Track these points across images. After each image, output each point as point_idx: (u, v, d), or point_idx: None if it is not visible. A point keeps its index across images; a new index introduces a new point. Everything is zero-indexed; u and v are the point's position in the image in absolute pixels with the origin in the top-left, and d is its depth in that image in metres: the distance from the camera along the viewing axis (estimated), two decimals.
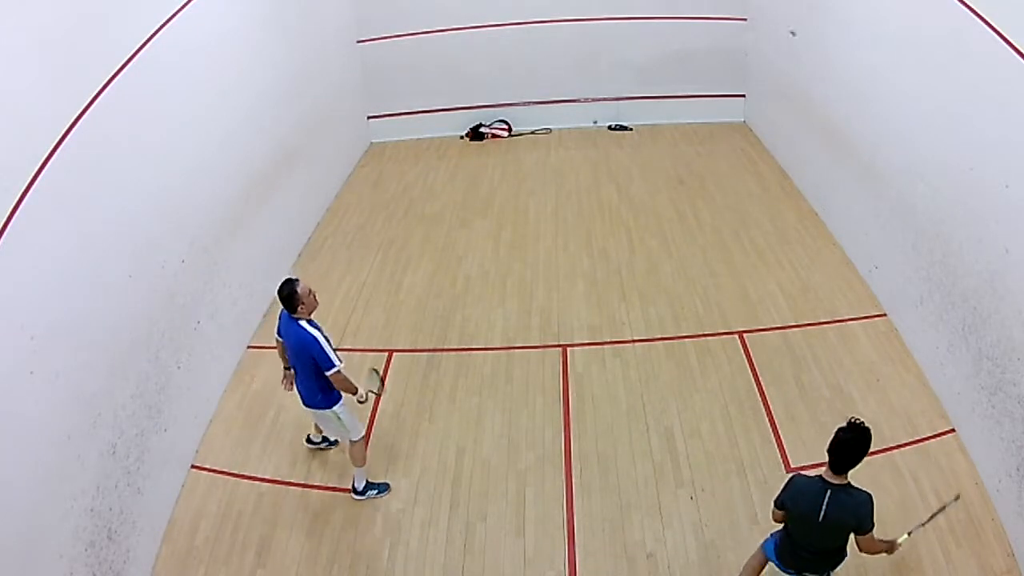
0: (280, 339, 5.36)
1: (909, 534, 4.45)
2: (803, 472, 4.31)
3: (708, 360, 6.67)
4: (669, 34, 11.02)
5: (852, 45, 7.50)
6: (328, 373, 5.10)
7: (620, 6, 10.95)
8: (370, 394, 5.45)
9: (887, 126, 6.77)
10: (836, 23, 7.87)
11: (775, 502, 4.26)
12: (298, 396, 5.41)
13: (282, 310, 5.20)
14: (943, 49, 5.70)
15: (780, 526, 4.38)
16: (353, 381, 5.25)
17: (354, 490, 5.57)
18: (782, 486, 4.21)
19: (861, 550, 4.18)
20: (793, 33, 8.04)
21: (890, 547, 4.28)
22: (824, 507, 3.99)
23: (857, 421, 3.96)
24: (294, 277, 5.17)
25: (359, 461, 5.52)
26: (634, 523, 5.28)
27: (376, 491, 5.61)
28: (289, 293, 5.07)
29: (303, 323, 5.15)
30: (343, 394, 5.29)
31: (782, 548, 4.39)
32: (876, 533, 4.09)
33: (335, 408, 5.33)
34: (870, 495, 4.06)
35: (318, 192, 9.55)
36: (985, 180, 5.19)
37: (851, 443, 3.91)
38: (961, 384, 5.63)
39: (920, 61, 6.11)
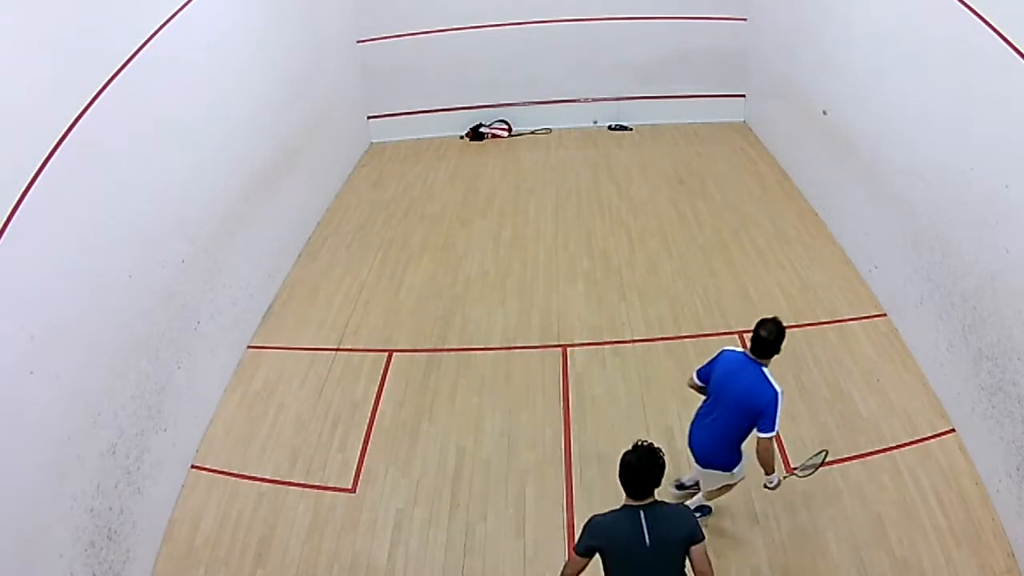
0: (704, 379, 4.69)
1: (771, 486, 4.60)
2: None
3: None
4: (669, 34, 11.02)
5: (852, 45, 7.50)
6: (765, 436, 4.41)
7: (620, 6, 10.95)
8: (792, 476, 4.79)
9: (887, 126, 6.77)
10: (836, 23, 7.87)
11: (576, 550, 3.66)
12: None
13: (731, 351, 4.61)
14: (943, 49, 5.71)
15: None
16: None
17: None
18: (580, 534, 3.69)
19: (696, 571, 3.63)
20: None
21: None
22: (647, 530, 3.56)
23: (643, 444, 3.63)
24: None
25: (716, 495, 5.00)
26: None
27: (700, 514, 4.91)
28: (778, 335, 4.38)
29: (767, 371, 4.45)
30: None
31: None
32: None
33: (734, 471, 4.72)
34: (686, 507, 3.88)
35: (318, 192, 9.55)
36: (985, 180, 5.19)
37: (644, 469, 3.58)
38: (961, 384, 5.63)
39: (920, 61, 6.11)
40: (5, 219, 4.02)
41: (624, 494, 3.67)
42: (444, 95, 11.44)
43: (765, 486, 4.65)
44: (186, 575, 5.13)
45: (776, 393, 4.37)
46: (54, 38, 4.55)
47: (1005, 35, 4.88)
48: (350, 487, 5.70)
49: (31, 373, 4.17)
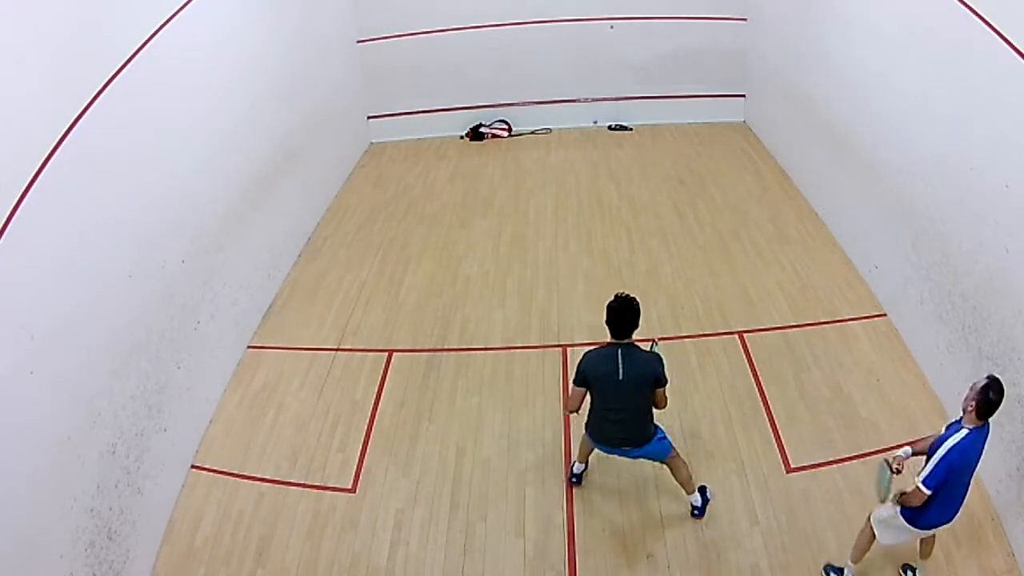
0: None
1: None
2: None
3: (708, 360, 6.67)
4: (669, 34, 11.01)
5: (852, 45, 7.50)
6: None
7: (620, 6, 10.95)
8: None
9: (887, 126, 6.77)
10: (836, 23, 7.87)
11: (574, 382, 4.67)
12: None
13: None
14: (943, 49, 5.71)
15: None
16: None
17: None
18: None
19: (657, 406, 4.73)
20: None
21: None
22: (621, 366, 4.51)
23: (623, 294, 4.59)
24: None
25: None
26: (634, 523, 5.27)
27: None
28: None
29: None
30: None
31: (591, 428, 4.85)
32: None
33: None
34: (659, 355, 4.66)
35: (318, 192, 9.55)
36: (985, 180, 5.19)
37: (622, 311, 4.51)
38: (961, 384, 5.58)
39: (920, 61, 6.11)
40: (5, 219, 4.02)
41: (609, 335, 4.58)
42: (444, 95, 11.44)
43: None
44: (186, 575, 5.13)
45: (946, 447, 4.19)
46: (54, 38, 4.55)
47: (1005, 35, 4.88)
48: (350, 487, 5.70)
49: (31, 373, 4.17)
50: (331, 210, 9.66)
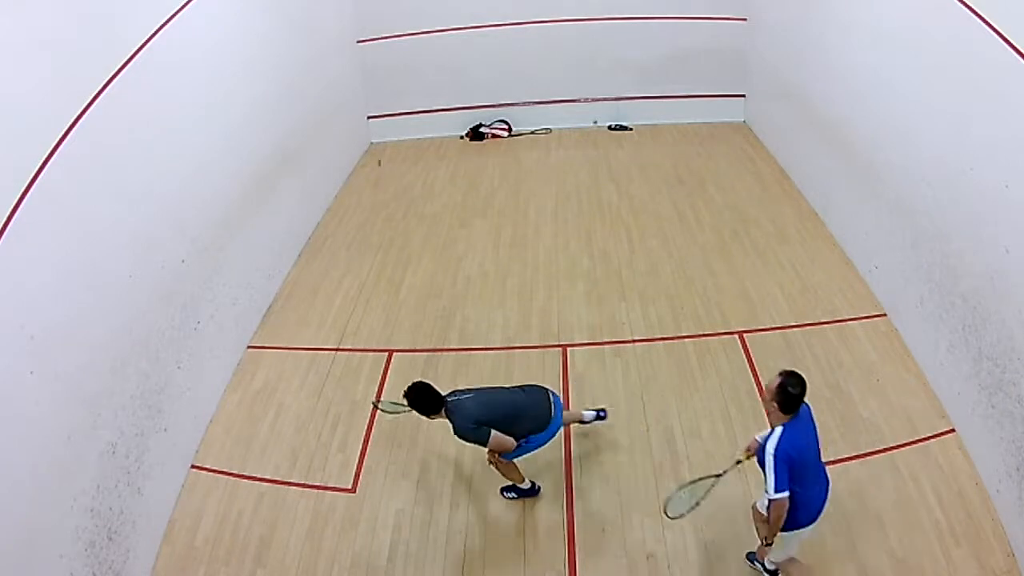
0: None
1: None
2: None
3: (708, 360, 6.67)
4: (669, 34, 11.01)
5: (852, 45, 7.49)
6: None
7: (620, 6, 10.95)
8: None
9: (887, 126, 6.77)
10: (836, 23, 7.87)
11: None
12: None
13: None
14: (943, 49, 5.70)
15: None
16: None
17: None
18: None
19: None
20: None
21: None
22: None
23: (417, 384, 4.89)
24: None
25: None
26: (634, 523, 5.28)
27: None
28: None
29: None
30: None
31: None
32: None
33: None
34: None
35: (318, 192, 9.55)
36: (985, 180, 5.19)
37: (420, 392, 4.86)
38: (961, 384, 5.63)
39: (920, 61, 6.11)
40: (5, 219, 4.02)
41: None
42: (444, 95, 11.44)
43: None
44: (186, 575, 5.13)
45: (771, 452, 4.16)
46: (54, 38, 4.55)
47: (1005, 35, 4.88)
48: (350, 487, 5.70)
49: (31, 373, 4.17)
50: (331, 210, 9.66)
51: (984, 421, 5.29)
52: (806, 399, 4.13)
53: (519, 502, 5.48)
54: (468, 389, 5.20)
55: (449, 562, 5.12)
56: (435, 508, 5.50)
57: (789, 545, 4.51)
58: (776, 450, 4.07)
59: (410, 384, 4.95)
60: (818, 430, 4.32)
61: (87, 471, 4.64)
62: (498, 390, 5.37)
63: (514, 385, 5.56)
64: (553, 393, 5.33)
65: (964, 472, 5.40)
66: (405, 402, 5.03)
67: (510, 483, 5.47)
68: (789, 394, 4.07)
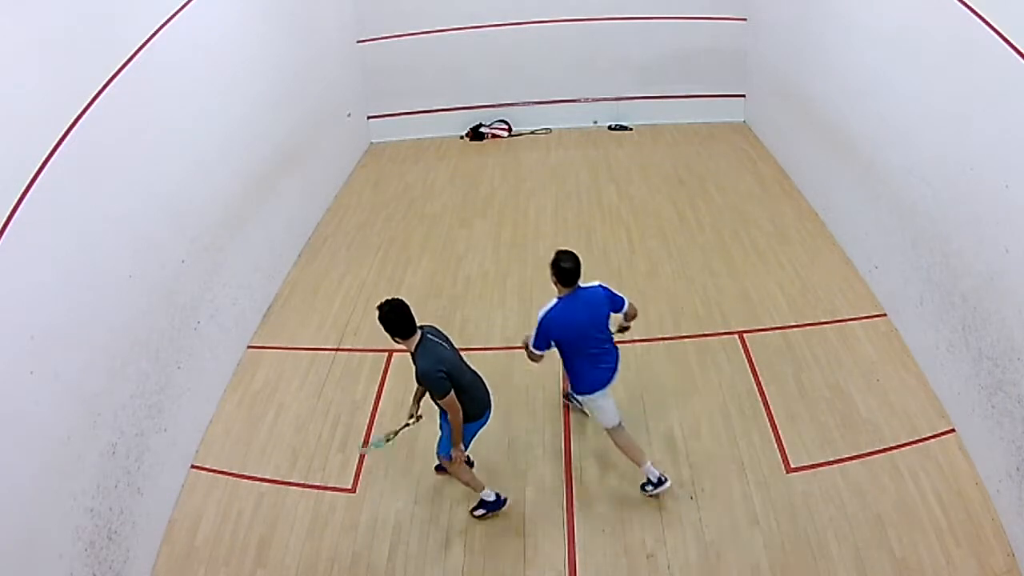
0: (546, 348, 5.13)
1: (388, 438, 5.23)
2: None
3: (708, 360, 6.67)
4: (669, 34, 11.01)
5: (852, 45, 7.50)
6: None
7: (620, 6, 10.94)
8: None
9: (887, 126, 6.77)
10: (836, 23, 7.87)
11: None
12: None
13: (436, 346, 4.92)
14: (943, 49, 5.70)
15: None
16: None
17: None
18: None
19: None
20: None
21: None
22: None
23: (566, 252, 4.94)
24: None
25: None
26: (634, 523, 5.28)
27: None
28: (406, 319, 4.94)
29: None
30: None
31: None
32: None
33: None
34: (598, 284, 5.10)
35: (318, 192, 9.55)
36: (985, 180, 5.19)
37: (573, 262, 4.89)
38: (961, 384, 5.63)
39: (920, 61, 6.11)
40: (5, 219, 4.02)
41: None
42: (444, 95, 11.44)
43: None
44: (186, 575, 5.13)
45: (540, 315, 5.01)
46: (54, 38, 4.55)
47: (1005, 35, 4.88)
48: (350, 487, 5.70)
49: (31, 373, 4.17)
50: (331, 210, 9.66)
51: (984, 421, 5.29)
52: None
53: (519, 501, 5.48)
54: (443, 336, 5.01)
55: (449, 562, 5.12)
56: (435, 508, 5.50)
57: (596, 406, 5.30)
58: (544, 315, 4.95)
59: (387, 299, 4.82)
60: (609, 316, 5.10)
61: (87, 471, 4.63)
62: (462, 360, 5.09)
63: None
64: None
65: (964, 472, 5.40)
66: (392, 433, 5.20)
67: (478, 500, 5.38)
68: (562, 268, 4.89)
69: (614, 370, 5.22)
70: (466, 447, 5.09)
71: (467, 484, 5.33)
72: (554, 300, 4.99)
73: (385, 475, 5.78)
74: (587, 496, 5.50)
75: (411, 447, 6.00)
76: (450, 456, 5.04)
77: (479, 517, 5.39)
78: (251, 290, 7.29)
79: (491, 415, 5.20)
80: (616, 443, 5.37)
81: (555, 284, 4.98)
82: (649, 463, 5.35)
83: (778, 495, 5.37)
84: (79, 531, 4.49)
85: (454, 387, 4.77)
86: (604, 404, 5.27)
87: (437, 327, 5.08)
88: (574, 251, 4.98)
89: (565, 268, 4.89)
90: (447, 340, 5.02)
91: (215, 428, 6.28)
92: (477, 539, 5.26)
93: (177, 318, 5.88)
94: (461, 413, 4.82)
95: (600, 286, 5.10)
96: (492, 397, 5.19)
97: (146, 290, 5.46)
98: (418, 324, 4.88)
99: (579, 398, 5.46)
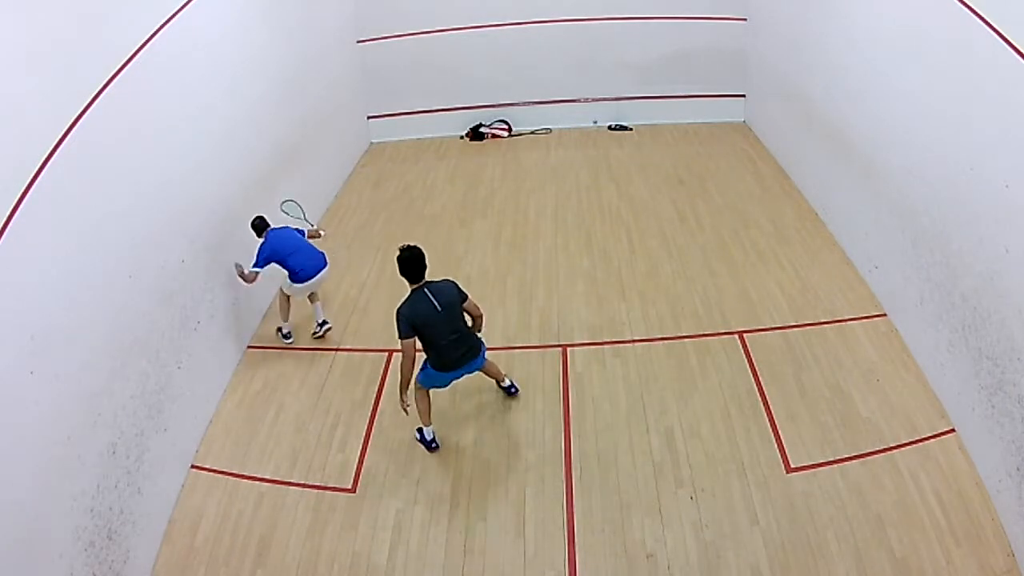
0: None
1: None
2: None
3: (708, 360, 6.67)
4: (669, 34, 11.02)
5: (852, 45, 7.50)
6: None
7: (620, 6, 10.95)
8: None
9: (887, 126, 6.77)
10: (836, 23, 7.87)
11: (402, 336, 5.34)
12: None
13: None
14: (943, 49, 5.70)
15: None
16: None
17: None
18: (399, 326, 5.34)
19: (472, 316, 5.70)
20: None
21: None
22: (434, 300, 5.35)
23: (408, 245, 5.37)
24: None
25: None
26: (634, 523, 5.28)
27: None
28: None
29: None
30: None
31: (436, 362, 5.58)
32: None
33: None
34: (447, 279, 5.58)
35: (318, 192, 9.54)
36: (985, 180, 5.19)
37: (411, 259, 5.31)
38: (961, 384, 5.63)
39: (920, 61, 6.11)
40: (5, 219, 4.02)
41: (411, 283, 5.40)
42: (444, 95, 11.44)
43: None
44: (186, 575, 5.13)
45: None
46: (54, 38, 4.55)
47: (1005, 35, 4.88)
48: (350, 487, 5.70)
49: (31, 373, 4.17)
50: (331, 210, 9.67)
51: (984, 421, 5.29)
52: None
53: (519, 501, 5.49)
54: (447, 293, 5.49)
55: (449, 562, 5.12)
56: (435, 508, 5.50)
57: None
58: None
59: (409, 245, 5.38)
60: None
61: (87, 471, 4.63)
62: (452, 320, 5.54)
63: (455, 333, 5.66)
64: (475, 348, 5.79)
65: (964, 472, 5.40)
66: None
67: (419, 426, 5.91)
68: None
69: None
70: (443, 386, 5.86)
71: (419, 411, 5.85)
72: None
73: (385, 475, 5.78)
74: (587, 496, 5.50)
75: (411, 447, 6.00)
76: (420, 382, 5.77)
77: (416, 439, 5.98)
78: (251, 290, 7.27)
79: (467, 373, 5.83)
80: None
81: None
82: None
83: (778, 495, 5.37)
84: (79, 531, 4.49)
85: (421, 339, 5.41)
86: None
87: (451, 282, 5.61)
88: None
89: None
90: (448, 298, 5.47)
91: (215, 428, 6.28)
92: (477, 539, 5.26)
93: (177, 318, 5.88)
94: (411, 361, 5.39)
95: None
96: (467, 360, 5.70)
97: (146, 290, 5.46)
98: (427, 278, 5.42)
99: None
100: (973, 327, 5.46)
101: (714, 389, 6.34)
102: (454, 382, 5.93)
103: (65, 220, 4.54)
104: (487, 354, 5.99)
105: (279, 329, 7.24)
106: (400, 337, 5.38)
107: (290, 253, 6.79)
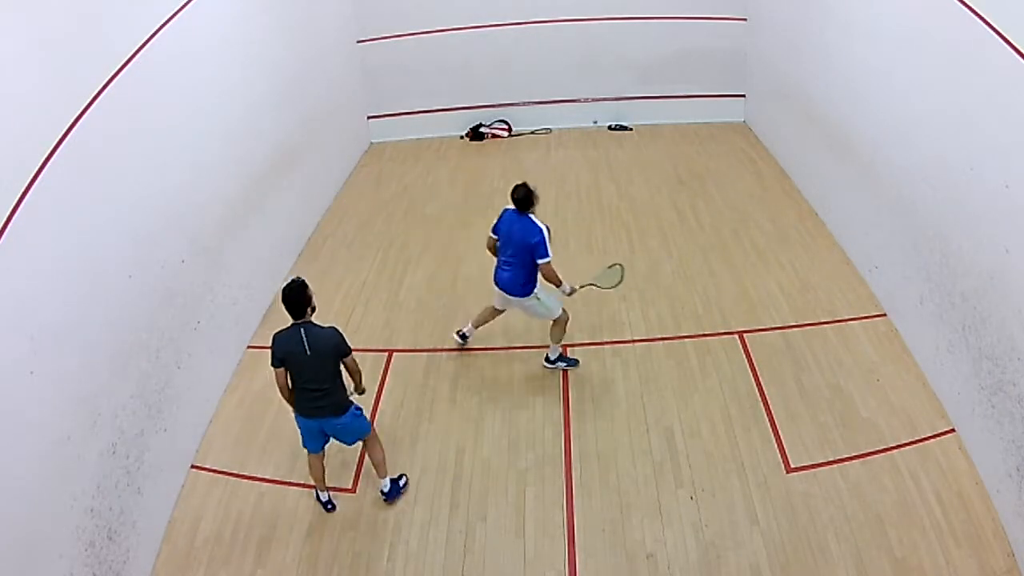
0: (495, 235, 6.25)
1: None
2: None
3: (708, 360, 6.67)
4: (669, 34, 11.01)
5: (852, 45, 7.50)
6: (542, 262, 6.14)
7: (620, 6, 10.95)
8: (582, 288, 6.32)
9: (887, 126, 6.77)
10: (836, 23, 7.87)
11: (272, 364, 5.10)
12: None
13: (508, 209, 6.13)
14: (943, 49, 5.71)
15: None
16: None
17: (547, 359, 6.60)
18: (271, 353, 5.07)
19: (350, 371, 5.23)
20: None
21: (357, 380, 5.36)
22: (306, 342, 4.99)
23: (292, 280, 5.08)
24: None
25: (557, 339, 6.49)
26: (634, 523, 5.28)
27: (565, 363, 6.56)
28: (525, 194, 6.05)
29: (533, 217, 6.13)
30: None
31: (297, 404, 5.22)
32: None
33: (540, 297, 6.35)
34: (335, 328, 5.10)
35: (318, 192, 9.55)
36: (985, 180, 5.19)
37: (287, 295, 4.98)
38: (961, 384, 5.63)
39: (920, 61, 6.11)
40: (5, 219, 4.02)
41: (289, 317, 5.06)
42: (444, 95, 11.44)
43: (564, 293, 6.36)
44: (186, 575, 5.13)
45: (540, 230, 6.07)
46: (54, 38, 4.55)
47: (1005, 35, 4.88)
48: (350, 487, 5.70)
49: (31, 373, 4.17)
50: (331, 210, 9.66)
51: (984, 421, 5.29)
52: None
53: (519, 501, 5.49)
54: (322, 337, 5.06)
55: (449, 562, 5.12)
56: (435, 508, 5.50)
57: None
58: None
59: (292, 281, 5.07)
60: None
61: (87, 471, 4.63)
62: (317, 368, 5.10)
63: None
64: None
65: (964, 472, 5.41)
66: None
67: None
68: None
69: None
70: (310, 440, 5.36)
71: (379, 463, 5.53)
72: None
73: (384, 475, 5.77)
74: (587, 496, 5.50)
75: (411, 447, 6.00)
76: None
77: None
78: (251, 290, 7.28)
79: (332, 434, 5.35)
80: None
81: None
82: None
83: (778, 495, 5.37)
84: (79, 531, 4.49)
85: (288, 374, 5.12)
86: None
87: (336, 333, 5.11)
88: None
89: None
90: (322, 345, 5.04)
91: (215, 428, 6.28)
92: (477, 539, 5.26)
93: (177, 318, 5.88)
94: (282, 391, 5.20)
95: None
96: (323, 414, 5.20)
97: (146, 290, 5.46)
98: (312, 320, 5.09)
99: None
100: (973, 327, 5.46)
101: (714, 389, 6.34)
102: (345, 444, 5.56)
103: (65, 220, 4.54)
104: (374, 436, 5.54)
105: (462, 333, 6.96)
106: (271, 364, 5.16)
107: None
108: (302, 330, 5.02)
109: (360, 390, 5.46)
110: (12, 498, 3.98)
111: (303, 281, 5.09)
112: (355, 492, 5.67)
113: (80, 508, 4.53)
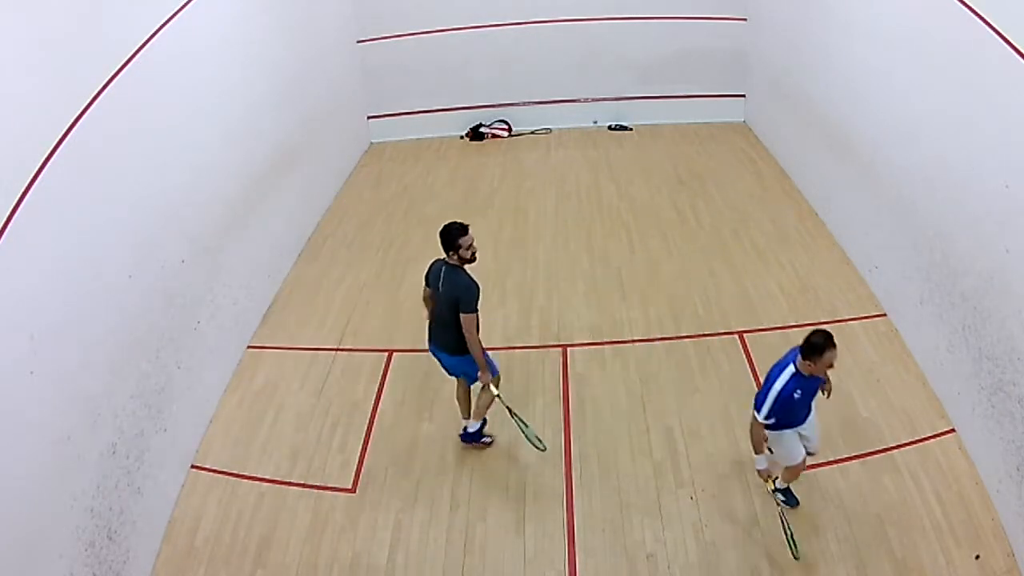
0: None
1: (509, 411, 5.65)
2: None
3: (708, 360, 6.67)
4: (669, 34, 11.01)
5: (852, 45, 7.49)
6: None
7: (620, 6, 10.94)
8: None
9: (887, 126, 6.77)
10: (836, 23, 7.87)
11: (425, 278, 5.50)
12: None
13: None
14: (943, 49, 5.70)
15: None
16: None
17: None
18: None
19: (464, 329, 5.30)
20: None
21: (481, 364, 5.46)
22: (442, 276, 5.38)
23: (451, 222, 5.44)
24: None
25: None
26: (634, 523, 5.28)
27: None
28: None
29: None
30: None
31: (428, 324, 5.64)
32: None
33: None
34: (476, 285, 5.31)
35: (318, 192, 9.54)
36: (985, 180, 5.19)
37: (443, 233, 5.35)
38: (961, 384, 5.63)
39: (920, 61, 6.11)
40: (5, 219, 4.02)
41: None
42: (444, 95, 11.43)
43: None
44: (186, 575, 5.13)
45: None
46: (54, 38, 4.55)
47: (1005, 35, 4.88)
48: (350, 487, 5.70)
49: (31, 373, 4.17)
50: (331, 210, 9.66)
51: (984, 421, 5.29)
52: None
53: (519, 501, 5.49)
54: (452, 281, 5.35)
55: (449, 562, 5.12)
56: (435, 508, 5.50)
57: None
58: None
59: (450, 223, 5.43)
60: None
61: (87, 471, 4.63)
62: (440, 305, 5.49)
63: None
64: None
65: (964, 472, 5.40)
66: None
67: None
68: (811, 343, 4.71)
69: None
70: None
71: (481, 407, 5.81)
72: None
73: (385, 475, 5.78)
74: (587, 496, 5.50)
75: (411, 447, 6.00)
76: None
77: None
78: (251, 290, 7.29)
79: (441, 364, 5.73)
80: None
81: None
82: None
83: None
84: (79, 531, 4.49)
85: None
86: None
87: (466, 284, 5.38)
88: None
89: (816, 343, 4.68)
90: (447, 288, 5.41)
91: (215, 428, 6.28)
92: (477, 539, 5.26)
93: (177, 318, 5.88)
94: (424, 301, 5.70)
95: None
96: (436, 344, 5.63)
97: (146, 290, 5.46)
98: (450, 263, 5.40)
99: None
100: (973, 327, 5.46)
101: (714, 389, 6.34)
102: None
103: (65, 220, 4.54)
104: (478, 386, 5.65)
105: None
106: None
107: None
108: (443, 269, 5.42)
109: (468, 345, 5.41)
110: (12, 498, 3.98)
111: (460, 228, 5.38)
112: (355, 492, 5.66)
113: (80, 508, 4.53)
